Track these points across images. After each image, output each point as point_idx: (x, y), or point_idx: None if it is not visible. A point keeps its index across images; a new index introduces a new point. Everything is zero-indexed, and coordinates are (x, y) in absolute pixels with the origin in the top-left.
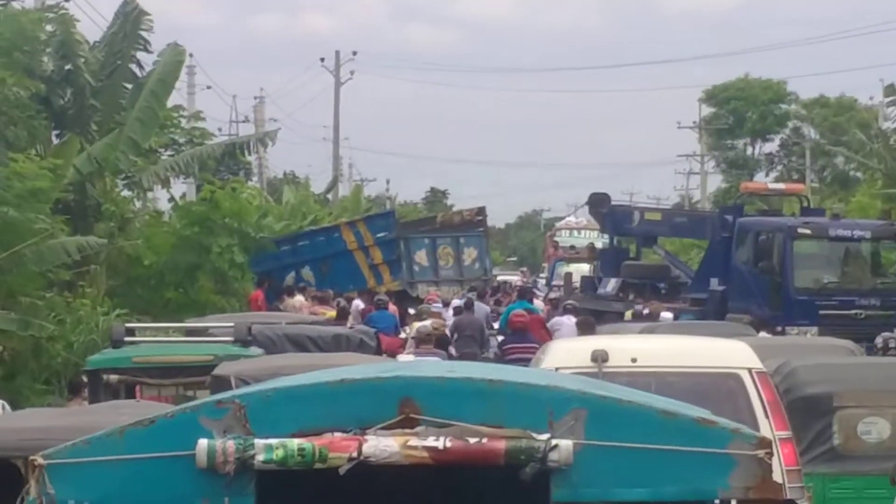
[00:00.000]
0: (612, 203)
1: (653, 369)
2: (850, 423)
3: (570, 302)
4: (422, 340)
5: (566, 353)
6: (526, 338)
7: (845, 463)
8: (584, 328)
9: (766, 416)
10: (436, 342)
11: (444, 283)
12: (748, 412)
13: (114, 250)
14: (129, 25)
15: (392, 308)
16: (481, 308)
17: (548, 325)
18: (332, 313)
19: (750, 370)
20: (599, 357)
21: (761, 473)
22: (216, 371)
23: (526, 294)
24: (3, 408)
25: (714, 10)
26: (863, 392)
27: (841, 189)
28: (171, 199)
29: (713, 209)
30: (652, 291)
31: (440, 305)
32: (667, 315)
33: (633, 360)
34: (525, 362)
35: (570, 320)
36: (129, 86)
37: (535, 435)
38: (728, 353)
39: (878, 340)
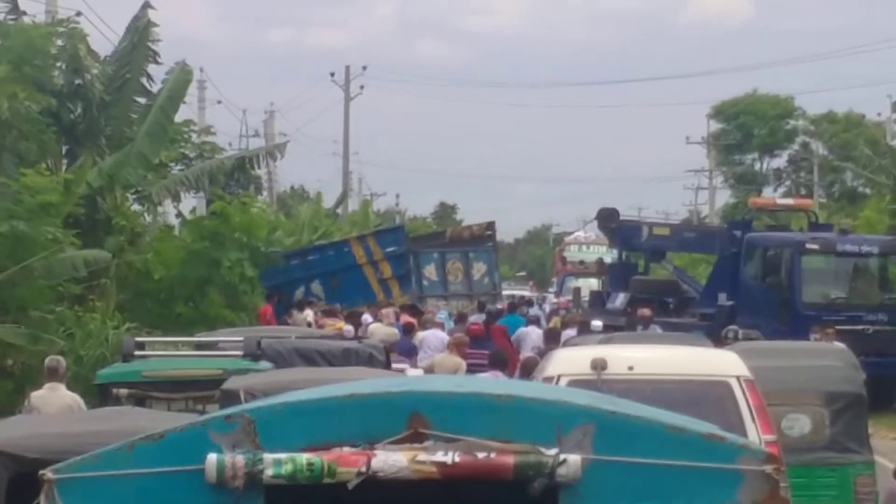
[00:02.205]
0: (621, 218)
1: (648, 377)
2: (774, 420)
3: (534, 314)
4: (390, 350)
5: (568, 361)
6: (482, 345)
7: None
8: (549, 339)
9: (753, 421)
10: (490, 360)
11: (454, 298)
12: (737, 417)
13: (124, 264)
14: (138, 37)
15: (403, 319)
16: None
17: (512, 337)
18: (340, 325)
19: (738, 378)
20: (599, 365)
21: (769, 488)
22: (225, 385)
23: (515, 308)
24: (76, 401)
25: (722, 25)
26: (786, 392)
27: (849, 204)
28: (179, 213)
29: (721, 224)
30: (660, 306)
31: (444, 315)
32: (597, 324)
33: (630, 368)
34: (479, 367)
35: (535, 331)
36: (140, 99)
37: (543, 450)
38: (718, 362)
39: (723, 332)
